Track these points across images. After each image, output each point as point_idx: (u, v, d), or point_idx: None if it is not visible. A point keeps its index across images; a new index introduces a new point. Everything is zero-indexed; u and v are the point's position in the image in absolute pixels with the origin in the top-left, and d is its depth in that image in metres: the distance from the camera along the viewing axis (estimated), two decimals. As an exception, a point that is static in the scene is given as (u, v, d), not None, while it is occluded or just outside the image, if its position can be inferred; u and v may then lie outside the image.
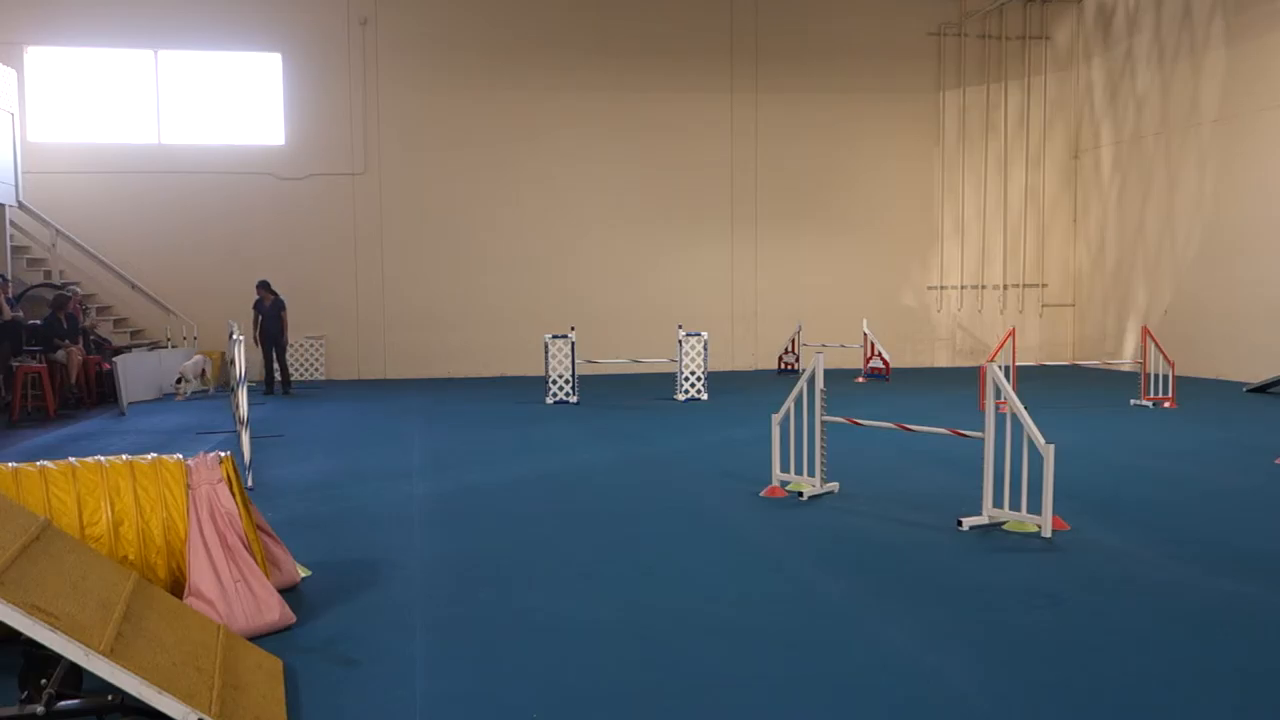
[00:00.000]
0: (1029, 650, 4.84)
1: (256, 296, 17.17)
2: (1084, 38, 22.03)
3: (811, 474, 8.32)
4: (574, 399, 15.31)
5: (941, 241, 22.11)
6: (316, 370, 19.85)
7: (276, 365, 17.24)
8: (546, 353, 15.36)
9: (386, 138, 19.97)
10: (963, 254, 22.19)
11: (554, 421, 13.34)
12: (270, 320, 17.02)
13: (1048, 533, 6.93)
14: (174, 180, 19.19)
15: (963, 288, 22.26)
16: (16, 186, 17.10)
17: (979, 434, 7.36)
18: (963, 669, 4.63)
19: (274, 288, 17.25)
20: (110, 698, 3.67)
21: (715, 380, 17.51)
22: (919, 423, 8.79)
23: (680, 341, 15.73)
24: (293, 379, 18.02)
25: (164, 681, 3.55)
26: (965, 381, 17.69)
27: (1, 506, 4.18)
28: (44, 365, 14.29)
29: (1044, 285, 22.55)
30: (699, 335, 15.82)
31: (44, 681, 3.74)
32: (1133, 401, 14.49)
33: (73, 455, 5.69)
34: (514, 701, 4.29)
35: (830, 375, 9.58)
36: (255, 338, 17.03)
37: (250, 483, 8.55)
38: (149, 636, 3.90)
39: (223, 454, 5.48)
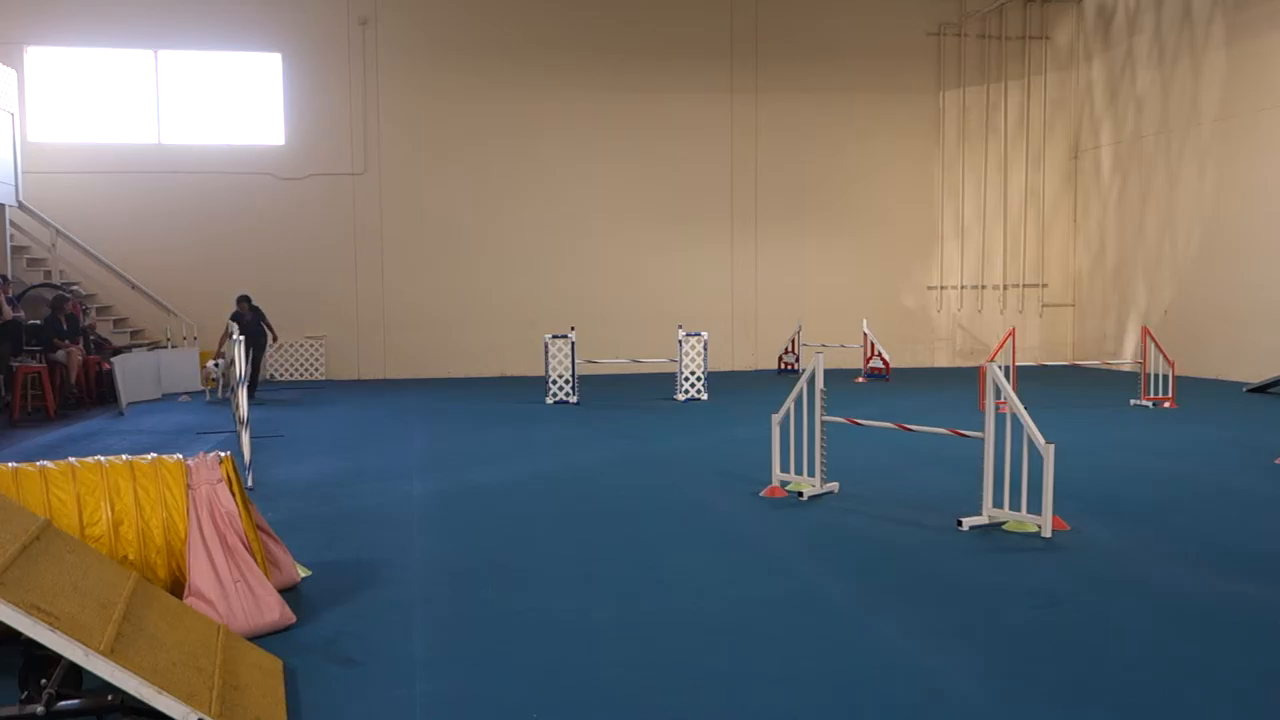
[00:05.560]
0: (1029, 650, 4.84)
1: (237, 310, 16.64)
2: (1084, 38, 22.03)
3: (811, 474, 8.32)
4: (574, 399, 15.31)
5: (941, 241, 22.11)
6: (316, 370, 19.84)
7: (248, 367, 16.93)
8: (546, 353, 15.36)
9: (386, 138, 19.97)
10: (963, 254, 22.18)
11: (554, 421, 13.34)
12: (252, 327, 16.42)
13: (1048, 533, 6.93)
14: (174, 180, 19.18)
15: (963, 288, 22.26)
16: (16, 186, 17.09)
17: (979, 434, 7.36)
18: (963, 669, 4.63)
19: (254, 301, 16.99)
20: (110, 698, 3.67)
21: (715, 380, 17.50)
22: (919, 423, 8.79)
23: (680, 341, 15.73)
24: (268, 380, 17.78)
25: (164, 681, 3.55)
26: (965, 381, 17.68)
27: (1, 506, 4.18)
28: (44, 365, 14.29)
29: (1044, 285, 22.54)
30: (699, 335, 15.82)
31: (44, 681, 3.74)
32: (1133, 401, 14.49)
33: (73, 455, 5.69)
34: (513, 701, 4.29)
35: (830, 375, 9.58)
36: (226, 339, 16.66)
37: (250, 483, 8.55)
38: (149, 636, 3.90)
39: (223, 454, 5.48)
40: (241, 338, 9.61)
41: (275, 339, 17.37)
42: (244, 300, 16.88)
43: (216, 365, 16.00)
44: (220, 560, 5.08)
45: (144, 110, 19.32)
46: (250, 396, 16.82)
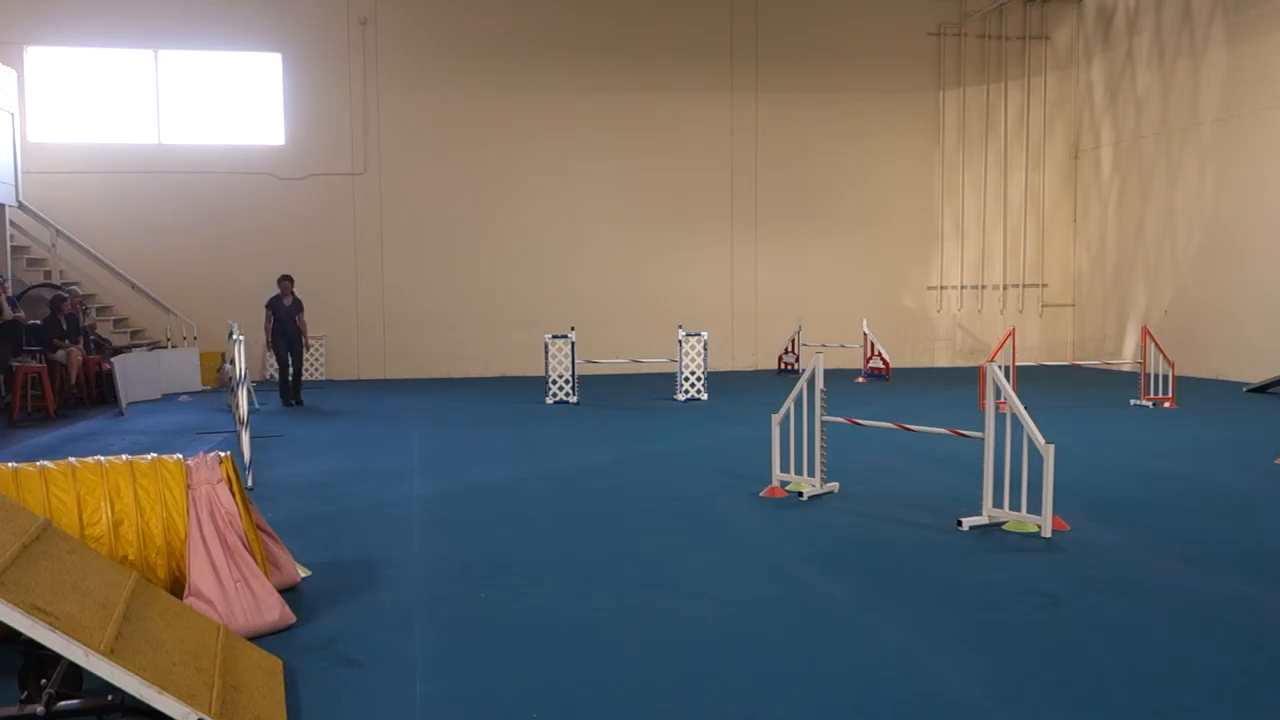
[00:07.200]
0: (1029, 650, 4.84)
1: (276, 293, 15.33)
2: (1084, 38, 22.03)
3: (811, 474, 8.32)
4: (574, 399, 15.31)
5: (941, 241, 22.11)
6: (317, 370, 19.83)
7: (292, 371, 15.52)
8: (546, 353, 15.36)
9: (386, 138, 19.96)
10: (963, 254, 22.18)
11: (554, 421, 13.34)
12: (289, 322, 15.38)
13: (1048, 533, 6.93)
14: (174, 180, 19.18)
15: (963, 288, 22.26)
16: (16, 186, 17.08)
17: (979, 434, 7.36)
18: (962, 669, 4.63)
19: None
20: (110, 698, 3.67)
21: (715, 380, 17.50)
22: (919, 423, 8.79)
23: (680, 341, 15.73)
24: (266, 380, 16.66)
25: (164, 681, 3.55)
26: (965, 381, 17.68)
27: (2, 506, 4.18)
28: (44, 365, 14.29)
29: (1044, 285, 22.54)
30: (699, 335, 15.82)
31: (44, 681, 3.74)
32: (1133, 401, 14.49)
33: (73, 455, 5.69)
34: (514, 701, 4.29)
35: (830, 375, 9.58)
36: (268, 342, 15.51)
37: (250, 483, 8.55)
38: (149, 636, 3.90)
39: (223, 454, 5.48)
40: (241, 338, 9.55)
41: (306, 345, 16.01)
42: (286, 280, 15.30)
43: (231, 365, 15.53)
44: (220, 560, 5.08)
45: (144, 110, 19.31)
46: (297, 401, 15.44)
